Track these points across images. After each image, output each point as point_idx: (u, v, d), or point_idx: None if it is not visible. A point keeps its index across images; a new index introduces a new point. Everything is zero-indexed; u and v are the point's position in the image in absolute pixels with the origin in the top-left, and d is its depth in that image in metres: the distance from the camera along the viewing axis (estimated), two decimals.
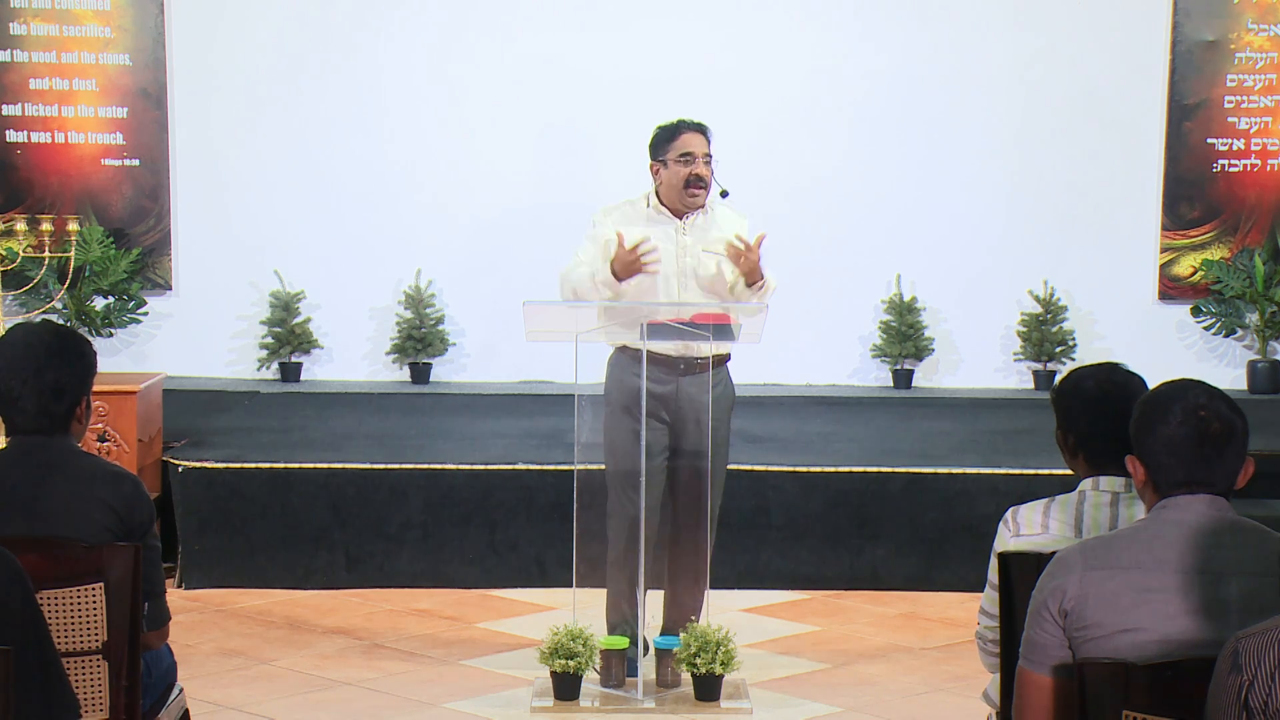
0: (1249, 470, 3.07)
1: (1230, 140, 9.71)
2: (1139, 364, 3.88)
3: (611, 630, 5.93)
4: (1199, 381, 3.09)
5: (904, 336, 9.66)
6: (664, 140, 5.90)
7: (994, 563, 3.58)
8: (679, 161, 5.84)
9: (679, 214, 5.90)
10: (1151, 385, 3.21)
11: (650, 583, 5.88)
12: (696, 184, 5.84)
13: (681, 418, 5.90)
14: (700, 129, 5.90)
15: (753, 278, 5.79)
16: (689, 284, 5.89)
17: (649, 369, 5.79)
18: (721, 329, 5.73)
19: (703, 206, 5.90)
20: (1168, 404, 3.03)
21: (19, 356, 3.74)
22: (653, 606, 6.05)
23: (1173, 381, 3.11)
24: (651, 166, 5.95)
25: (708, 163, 5.86)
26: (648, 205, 5.93)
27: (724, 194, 5.98)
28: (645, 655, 5.83)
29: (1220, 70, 9.69)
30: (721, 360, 5.96)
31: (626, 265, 5.69)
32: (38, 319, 7.41)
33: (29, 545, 3.53)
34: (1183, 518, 3.00)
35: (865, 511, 7.37)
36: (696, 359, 5.87)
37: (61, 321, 9.47)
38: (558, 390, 8.80)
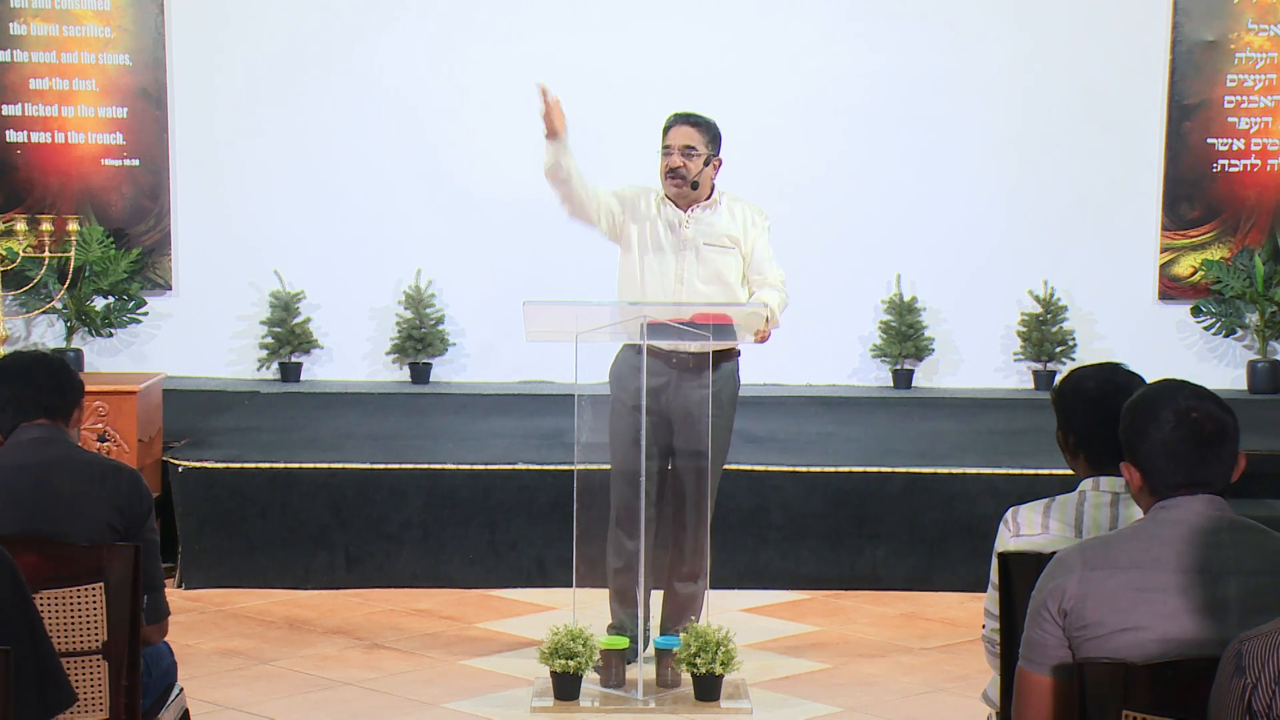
0: (1240, 466, 3.06)
1: (1230, 140, 9.71)
2: (1139, 364, 3.88)
3: (612, 630, 5.94)
4: (1183, 382, 3.09)
5: (904, 336, 9.66)
6: (662, 131, 5.99)
7: (995, 563, 3.57)
8: (662, 152, 5.94)
9: (681, 206, 5.94)
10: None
11: (648, 581, 5.88)
12: (670, 175, 5.91)
13: (676, 413, 5.90)
14: (686, 119, 5.95)
15: (759, 338, 5.83)
16: (688, 277, 5.89)
17: (650, 363, 5.82)
18: (722, 329, 5.73)
19: (682, 196, 5.91)
20: (1157, 408, 3.02)
21: (14, 368, 3.99)
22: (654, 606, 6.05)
23: (1156, 384, 3.10)
24: None
25: (687, 154, 5.89)
26: (655, 198, 5.98)
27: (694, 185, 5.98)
28: (645, 650, 5.83)
29: (1220, 70, 9.69)
30: (724, 356, 5.96)
31: (546, 119, 5.79)
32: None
33: (29, 545, 3.54)
34: (1181, 517, 3.00)
35: (865, 511, 7.36)
36: (690, 355, 5.89)
37: (61, 322, 9.50)
38: (558, 390, 8.80)
